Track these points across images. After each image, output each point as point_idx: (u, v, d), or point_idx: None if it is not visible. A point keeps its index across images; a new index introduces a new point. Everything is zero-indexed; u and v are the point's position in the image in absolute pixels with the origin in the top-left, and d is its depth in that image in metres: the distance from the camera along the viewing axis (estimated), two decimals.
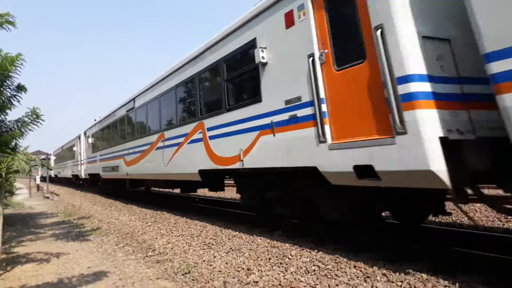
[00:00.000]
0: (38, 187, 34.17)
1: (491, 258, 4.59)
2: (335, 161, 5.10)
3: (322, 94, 5.37)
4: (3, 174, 6.60)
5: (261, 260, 5.68)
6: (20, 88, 8.32)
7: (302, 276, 4.85)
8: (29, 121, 8.06)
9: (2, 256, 7.16)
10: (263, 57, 6.63)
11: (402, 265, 4.88)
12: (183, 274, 6.10)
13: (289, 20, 6.11)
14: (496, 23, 3.48)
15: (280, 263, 5.38)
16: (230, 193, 17.47)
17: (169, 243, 7.86)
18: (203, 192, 18.08)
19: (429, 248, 5.25)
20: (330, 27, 5.39)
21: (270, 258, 5.64)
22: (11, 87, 8.14)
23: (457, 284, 3.98)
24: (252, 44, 7.02)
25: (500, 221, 7.61)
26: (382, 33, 4.43)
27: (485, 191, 7.84)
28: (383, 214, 7.43)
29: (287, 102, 6.10)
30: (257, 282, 5.07)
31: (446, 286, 3.99)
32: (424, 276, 4.27)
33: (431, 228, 6.82)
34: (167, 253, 7.32)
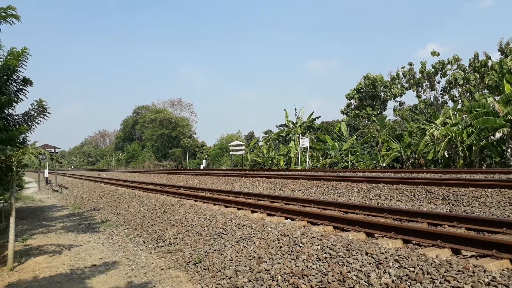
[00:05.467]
0: (46, 180, 34.48)
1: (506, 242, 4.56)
2: None
3: None
4: (14, 168, 6.63)
5: (272, 248, 5.69)
6: (26, 81, 8.32)
7: (313, 264, 4.85)
8: (36, 114, 8.07)
9: (16, 249, 7.24)
10: None
11: (415, 250, 4.87)
12: (194, 264, 6.14)
13: None
14: None
15: (291, 251, 5.38)
16: (238, 183, 17.49)
17: (179, 233, 7.90)
18: (212, 184, 18.12)
19: (442, 233, 5.23)
20: None
21: (281, 247, 5.64)
22: (17, 81, 8.16)
23: (470, 268, 3.95)
24: None
25: None
26: None
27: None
28: None
29: None
30: (268, 270, 5.08)
31: (459, 271, 3.96)
32: (437, 261, 4.24)
33: (442, 213, 6.79)
34: (177, 243, 7.36)
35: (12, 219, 6.72)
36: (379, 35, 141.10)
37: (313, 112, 43.24)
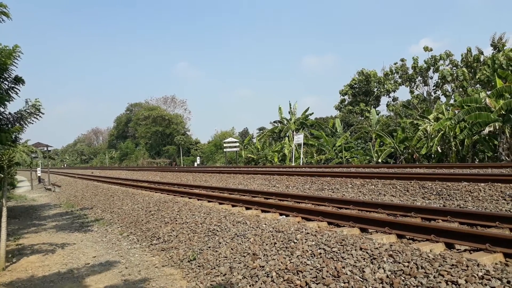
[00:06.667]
0: (39, 179, 34.19)
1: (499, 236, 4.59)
2: None
3: None
4: (5, 166, 6.55)
5: (267, 245, 5.68)
6: (18, 80, 8.21)
7: (308, 260, 4.85)
8: (30, 113, 7.97)
9: (8, 248, 7.17)
10: None
11: (409, 245, 4.89)
12: (188, 261, 6.12)
13: None
14: None
15: (286, 247, 5.38)
16: (233, 180, 17.50)
17: (173, 231, 7.87)
18: (207, 181, 18.08)
19: (435, 227, 5.25)
20: None
21: (275, 243, 5.64)
22: (8, 80, 8.04)
23: (464, 262, 3.97)
24: None
25: (505, 200, 7.61)
26: None
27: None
28: None
29: None
30: (263, 266, 5.07)
31: (453, 265, 3.98)
32: (431, 256, 4.26)
33: (436, 208, 6.82)
34: (172, 241, 7.33)
35: (3, 219, 6.64)
36: (374, 31, 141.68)
37: (308, 108, 43.30)
